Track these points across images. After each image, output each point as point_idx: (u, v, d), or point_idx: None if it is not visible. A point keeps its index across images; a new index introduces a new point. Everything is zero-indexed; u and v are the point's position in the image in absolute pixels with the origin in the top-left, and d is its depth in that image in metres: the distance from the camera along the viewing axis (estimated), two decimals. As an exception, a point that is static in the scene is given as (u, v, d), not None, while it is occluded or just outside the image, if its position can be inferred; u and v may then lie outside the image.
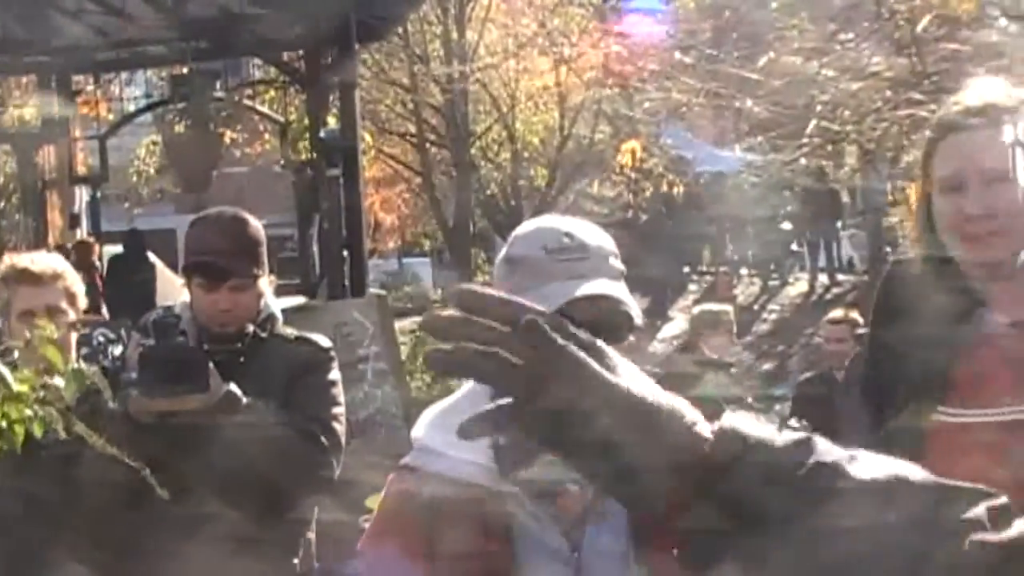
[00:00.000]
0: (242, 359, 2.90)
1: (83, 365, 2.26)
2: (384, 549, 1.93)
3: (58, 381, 2.13)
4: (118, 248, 13.80)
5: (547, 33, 19.90)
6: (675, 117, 17.31)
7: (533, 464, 1.82)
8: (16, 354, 2.27)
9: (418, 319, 16.23)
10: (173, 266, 16.11)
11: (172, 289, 12.27)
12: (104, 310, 10.30)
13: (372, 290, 9.58)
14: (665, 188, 17.37)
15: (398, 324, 11.09)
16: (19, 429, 1.99)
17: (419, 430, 1.95)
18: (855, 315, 6.74)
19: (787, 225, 19.27)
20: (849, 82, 9.54)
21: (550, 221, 1.94)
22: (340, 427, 2.94)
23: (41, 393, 2.22)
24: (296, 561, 2.99)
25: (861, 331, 6.32)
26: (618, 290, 1.83)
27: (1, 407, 2.07)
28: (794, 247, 19.61)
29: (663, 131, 16.78)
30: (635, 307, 1.85)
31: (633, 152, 17.45)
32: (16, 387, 2.06)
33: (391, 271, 24.12)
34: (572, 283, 1.80)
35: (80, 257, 10.53)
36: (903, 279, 2.13)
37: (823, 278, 18.10)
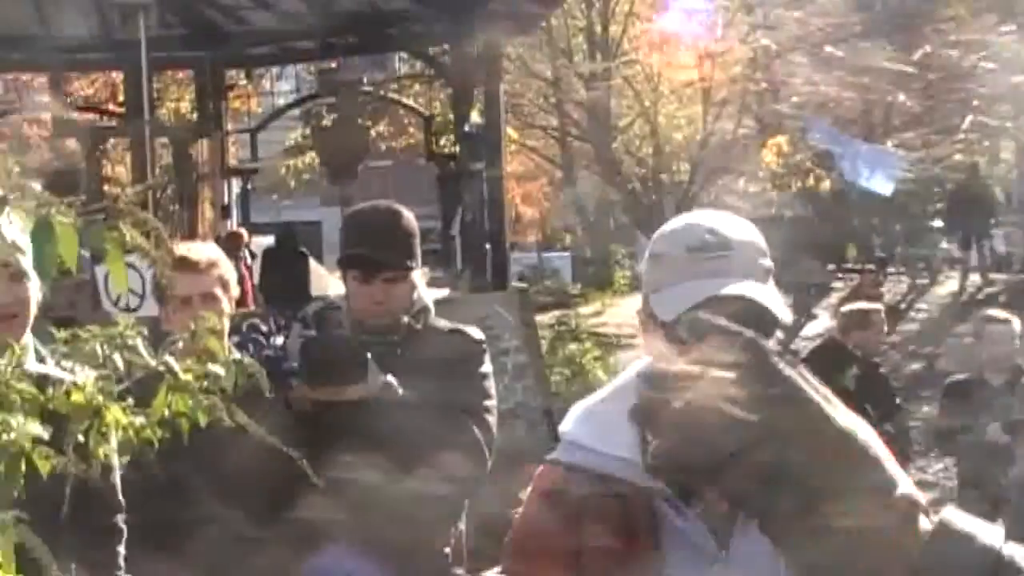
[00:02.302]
0: (398, 350, 2.92)
1: (240, 355, 2.28)
2: (532, 543, 1.92)
3: (218, 369, 2.16)
4: (267, 239, 14.08)
5: (691, 27, 19.69)
6: (822, 112, 16.97)
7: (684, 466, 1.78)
8: (180, 344, 2.31)
9: (558, 313, 16.16)
10: (318, 257, 16.41)
11: (321, 281, 12.51)
12: (251, 299, 10.51)
13: (514, 284, 9.59)
14: (812, 184, 17.05)
15: (538, 318, 11.09)
16: (185, 419, 2.02)
17: (567, 424, 1.93)
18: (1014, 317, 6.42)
19: (937, 222, 18.74)
20: (1009, 75, 9.25)
21: (696, 217, 1.90)
22: (492, 419, 2.94)
23: (204, 383, 2.24)
24: (448, 551, 3.00)
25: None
26: (758, 291, 1.77)
27: (167, 397, 2.08)
28: (944, 245, 19.06)
29: (810, 126, 16.46)
30: (779, 307, 1.79)
31: (779, 148, 17.17)
32: (182, 376, 2.07)
33: (531, 265, 24.14)
34: (711, 282, 1.75)
35: (229, 247, 10.77)
36: None
37: (975, 277, 17.52)
